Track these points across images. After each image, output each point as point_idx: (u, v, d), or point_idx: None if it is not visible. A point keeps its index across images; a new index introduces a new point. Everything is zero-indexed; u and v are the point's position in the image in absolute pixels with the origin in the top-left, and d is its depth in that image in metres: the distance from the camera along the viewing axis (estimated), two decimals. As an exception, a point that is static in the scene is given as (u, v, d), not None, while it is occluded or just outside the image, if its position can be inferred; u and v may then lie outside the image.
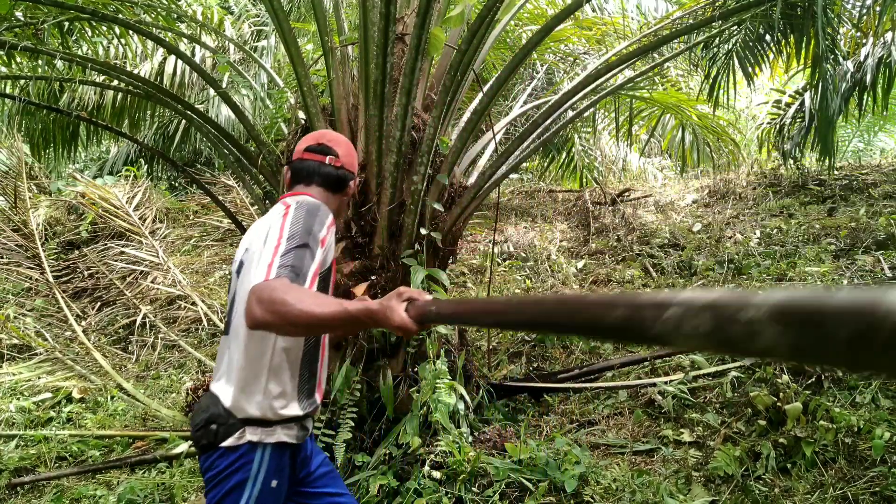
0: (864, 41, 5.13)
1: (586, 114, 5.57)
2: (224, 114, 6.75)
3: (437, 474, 2.63)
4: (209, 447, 1.59)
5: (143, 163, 8.21)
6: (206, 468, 1.61)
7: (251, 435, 1.59)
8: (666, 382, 3.42)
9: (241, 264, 1.66)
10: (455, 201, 3.27)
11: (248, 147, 3.67)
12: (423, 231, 2.99)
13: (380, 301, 1.26)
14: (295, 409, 1.63)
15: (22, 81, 4.56)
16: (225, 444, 1.57)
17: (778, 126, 6.44)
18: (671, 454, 2.90)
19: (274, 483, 1.62)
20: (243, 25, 6.78)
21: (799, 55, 3.83)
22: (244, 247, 1.67)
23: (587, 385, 3.69)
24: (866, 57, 4.92)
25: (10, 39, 3.33)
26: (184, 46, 5.51)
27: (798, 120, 6.13)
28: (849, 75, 4.97)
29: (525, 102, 4.87)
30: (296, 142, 3.12)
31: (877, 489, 2.41)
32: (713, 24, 3.60)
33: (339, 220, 1.91)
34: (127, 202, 6.92)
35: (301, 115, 3.19)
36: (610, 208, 7.17)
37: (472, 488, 2.65)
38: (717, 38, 4.10)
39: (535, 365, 4.13)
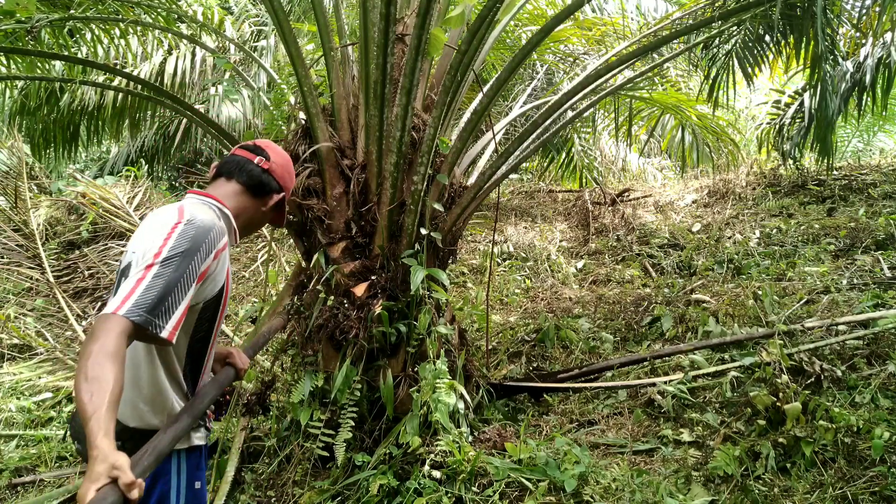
0: (863, 41, 5.13)
1: (586, 114, 5.57)
2: (224, 114, 6.74)
3: (437, 474, 2.63)
4: None
5: (143, 163, 8.20)
6: None
7: None
8: (665, 382, 3.42)
9: (125, 267, 1.50)
10: (455, 201, 3.27)
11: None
12: (424, 231, 3.00)
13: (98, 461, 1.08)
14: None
15: (21, 82, 4.56)
16: None
17: (777, 126, 6.44)
18: (671, 454, 2.91)
19: (197, 485, 1.61)
20: (243, 25, 6.77)
21: (798, 55, 3.83)
22: (130, 248, 1.52)
23: (587, 385, 3.69)
24: (865, 57, 4.92)
25: (8, 43, 3.33)
26: (184, 47, 5.51)
27: (797, 120, 6.14)
28: (848, 75, 4.97)
29: (525, 103, 4.87)
30: (296, 142, 3.14)
31: (876, 489, 2.41)
32: (713, 24, 3.60)
33: (253, 230, 1.82)
34: (127, 202, 6.92)
35: (301, 115, 3.19)
36: (609, 208, 7.17)
37: (472, 488, 2.65)
38: (717, 39, 4.10)
39: (534, 365, 4.13)
